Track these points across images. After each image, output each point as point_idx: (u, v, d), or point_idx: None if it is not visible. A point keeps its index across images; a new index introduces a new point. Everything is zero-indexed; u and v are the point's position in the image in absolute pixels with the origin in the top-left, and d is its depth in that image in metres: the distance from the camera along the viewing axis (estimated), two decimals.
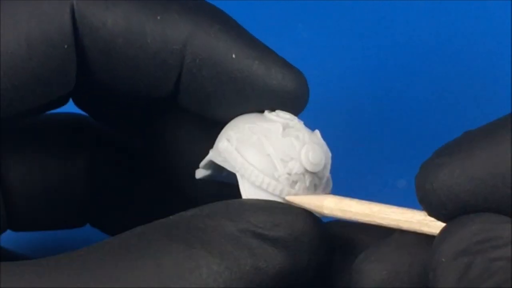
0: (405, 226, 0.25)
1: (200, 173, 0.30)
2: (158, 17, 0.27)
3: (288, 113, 0.29)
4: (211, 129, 0.29)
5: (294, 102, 0.28)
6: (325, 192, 0.28)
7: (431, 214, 0.25)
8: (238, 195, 0.28)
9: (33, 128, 0.33)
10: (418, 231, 0.25)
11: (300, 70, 0.28)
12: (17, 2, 0.27)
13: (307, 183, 0.27)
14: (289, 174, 0.27)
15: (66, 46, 0.27)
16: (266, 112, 0.29)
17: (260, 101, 0.28)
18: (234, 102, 0.28)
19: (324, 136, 0.29)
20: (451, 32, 0.46)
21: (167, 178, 0.33)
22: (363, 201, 0.26)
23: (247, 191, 0.27)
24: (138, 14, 0.27)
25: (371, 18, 0.46)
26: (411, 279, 0.25)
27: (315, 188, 0.28)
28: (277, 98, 0.28)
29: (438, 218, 0.25)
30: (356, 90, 0.45)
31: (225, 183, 0.30)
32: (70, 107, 0.33)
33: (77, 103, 0.33)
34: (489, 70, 0.45)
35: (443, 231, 0.24)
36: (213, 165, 0.29)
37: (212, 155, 0.29)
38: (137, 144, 0.35)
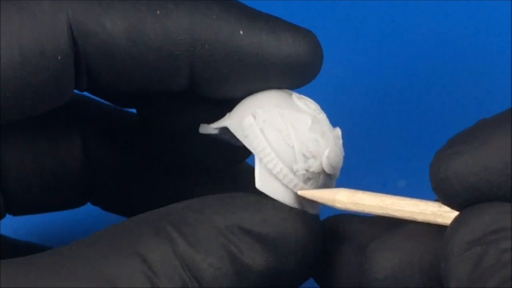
0: (419, 218, 0.25)
1: (205, 129, 0.30)
2: (158, 12, 0.27)
3: (314, 103, 0.28)
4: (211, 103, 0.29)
5: (308, 64, 0.28)
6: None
7: (445, 203, 0.25)
8: (235, 172, 0.28)
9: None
10: (433, 223, 0.25)
11: (310, 31, 0.28)
12: (12, 9, 0.26)
13: (320, 183, 0.28)
14: (307, 170, 0.27)
15: (59, 57, 0.27)
16: (294, 97, 0.28)
17: (278, 70, 0.28)
18: (251, 78, 0.28)
19: None
20: (451, 32, 0.46)
21: (163, 151, 0.33)
22: (376, 194, 0.26)
23: (261, 176, 0.27)
24: (136, 12, 0.27)
25: (371, 18, 0.46)
26: (422, 268, 0.25)
27: (325, 188, 0.28)
28: (292, 63, 0.28)
29: (452, 207, 0.25)
30: (356, 90, 0.45)
31: (225, 145, 0.30)
32: None
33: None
34: (489, 70, 0.45)
35: (456, 220, 0.24)
36: (224, 130, 0.29)
37: (232, 126, 0.28)
38: (132, 118, 0.34)
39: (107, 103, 0.33)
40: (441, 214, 0.25)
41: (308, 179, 0.27)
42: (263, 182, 0.27)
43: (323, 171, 0.27)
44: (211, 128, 0.29)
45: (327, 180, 0.28)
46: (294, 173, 0.27)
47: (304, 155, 0.27)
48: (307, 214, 0.27)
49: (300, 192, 0.27)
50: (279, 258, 0.26)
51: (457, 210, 0.24)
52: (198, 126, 0.30)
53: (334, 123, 0.29)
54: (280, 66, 0.28)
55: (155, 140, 0.33)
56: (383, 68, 0.45)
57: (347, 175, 0.40)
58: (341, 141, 0.29)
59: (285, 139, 0.27)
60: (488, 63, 0.45)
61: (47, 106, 0.28)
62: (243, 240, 0.25)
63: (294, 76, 0.28)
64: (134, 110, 0.34)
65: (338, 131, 0.29)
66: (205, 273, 0.25)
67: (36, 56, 0.26)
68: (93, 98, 0.33)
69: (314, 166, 0.27)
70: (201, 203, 0.26)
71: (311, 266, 0.26)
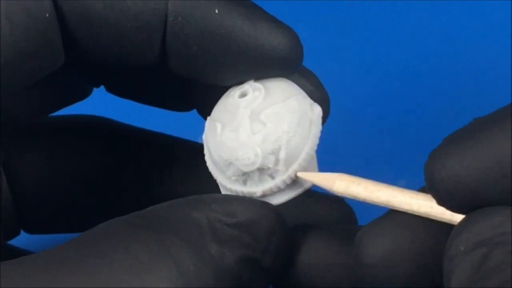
0: (420, 210, 0.25)
1: None
2: None
3: (257, 89, 0.28)
4: None
5: (284, 60, 0.27)
6: (305, 169, 0.28)
7: (439, 203, 0.24)
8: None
9: (42, 130, 0.33)
10: (431, 215, 0.25)
11: (291, 27, 0.28)
12: None
13: (257, 178, 0.27)
14: (235, 176, 0.27)
15: (47, 15, 0.26)
16: (237, 93, 0.28)
17: (248, 60, 0.27)
18: (221, 62, 0.27)
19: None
20: (451, 32, 0.46)
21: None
22: (372, 185, 0.26)
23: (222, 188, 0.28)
24: None
25: (372, 18, 0.46)
26: (411, 255, 0.25)
27: (272, 177, 0.27)
28: (266, 56, 0.27)
29: (446, 207, 0.24)
30: (356, 90, 0.45)
31: None
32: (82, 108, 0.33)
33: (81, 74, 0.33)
34: (489, 70, 0.45)
35: (464, 221, 0.24)
36: None
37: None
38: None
39: None
40: (434, 215, 0.25)
41: (244, 181, 0.27)
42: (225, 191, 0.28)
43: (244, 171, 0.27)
44: None
45: (266, 170, 0.27)
46: (231, 182, 0.28)
47: (225, 164, 0.27)
48: (268, 203, 0.27)
49: (299, 174, 0.27)
50: (253, 242, 0.26)
51: (451, 210, 0.24)
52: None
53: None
54: (251, 56, 0.27)
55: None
56: (383, 68, 0.45)
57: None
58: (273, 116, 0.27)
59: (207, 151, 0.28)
60: (488, 63, 0.45)
61: (44, 71, 0.28)
62: (220, 231, 0.26)
63: (266, 68, 0.28)
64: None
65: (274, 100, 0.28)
66: (191, 260, 0.25)
67: (24, 18, 0.26)
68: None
69: (236, 170, 0.27)
70: (179, 201, 0.27)
71: (281, 248, 0.27)
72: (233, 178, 0.27)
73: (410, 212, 0.26)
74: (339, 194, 0.27)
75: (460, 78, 0.45)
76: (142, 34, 0.27)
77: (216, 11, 0.27)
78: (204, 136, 0.28)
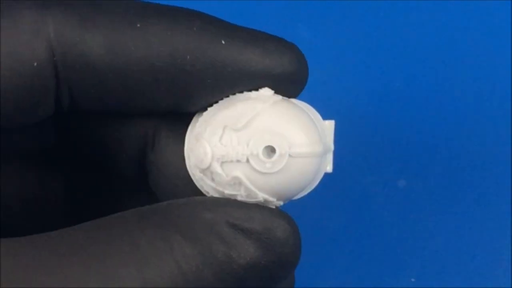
0: None
1: None
2: (138, 25, 0.27)
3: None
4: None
5: (293, 74, 0.28)
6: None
7: None
8: None
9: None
10: None
11: (293, 43, 0.28)
12: None
13: (243, 192, 0.27)
14: (220, 184, 0.27)
15: (35, 64, 0.26)
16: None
17: (260, 80, 0.27)
18: (232, 88, 0.28)
19: None
20: (452, 32, 0.46)
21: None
22: None
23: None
24: (117, 24, 0.27)
25: (372, 18, 0.46)
26: None
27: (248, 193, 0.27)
28: (276, 72, 0.27)
29: None
30: (356, 90, 0.45)
31: None
32: None
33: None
34: (489, 70, 0.45)
35: None
36: None
37: None
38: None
39: None
40: None
41: (236, 192, 0.27)
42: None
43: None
44: None
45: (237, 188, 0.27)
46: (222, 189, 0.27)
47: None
48: (286, 213, 0.27)
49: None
50: (264, 252, 0.26)
51: None
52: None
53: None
54: (263, 76, 0.27)
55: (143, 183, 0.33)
56: (383, 68, 0.45)
57: (347, 175, 0.40)
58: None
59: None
60: (488, 63, 0.45)
61: (24, 117, 0.27)
62: (230, 233, 0.26)
63: (278, 86, 0.28)
64: None
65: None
66: (194, 260, 0.25)
67: (12, 61, 0.26)
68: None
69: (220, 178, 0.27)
70: (188, 199, 0.27)
71: (292, 259, 0.27)
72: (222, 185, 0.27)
73: None
74: None
75: (460, 78, 0.45)
76: (147, 77, 0.27)
77: (223, 41, 0.27)
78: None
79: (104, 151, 0.32)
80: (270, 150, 0.26)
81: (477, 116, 0.43)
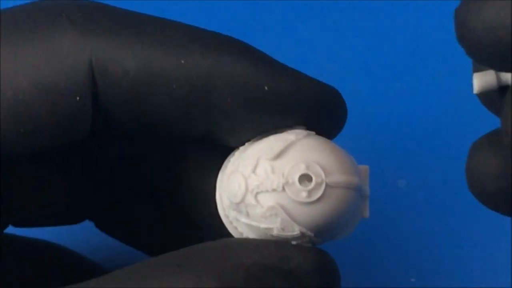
0: None
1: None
2: (182, 61, 0.26)
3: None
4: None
5: (330, 109, 0.27)
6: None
7: (468, 53, 0.22)
8: None
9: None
10: None
11: (331, 86, 0.27)
12: (33, 41, 0.25)
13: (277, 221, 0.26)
14: (254, 218, 0.26)
15: (78, 98, 0.25)
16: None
17: (296, 115, 0.27)
18: (271, 123, 0.27)
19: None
20: (452, 32, 0.46)
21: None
22: None
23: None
24: (160, 55, 0.26)
25: (372, 18, 0.46)
26: None
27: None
28: (311, 106, 0.26)
29: (476, 60, 0.22)
30: (356, 90, 0.45)
31: None
32: None
33: None
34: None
35: None
36: None
37: None
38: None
39: None
40: None
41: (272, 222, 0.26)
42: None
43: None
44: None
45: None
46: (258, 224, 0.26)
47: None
48: (326, 252, 0.26)
49: None
50: None
51: (479, 63, 0.22)
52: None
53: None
54: (300, 110, 0.26)
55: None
56: (383, 68, 0.45)
57: None
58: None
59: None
60: None
61: (60, 144, 0.27)
62: (268, 276, 0.24)
63: (317, 122, 0.27)
64: None
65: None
66: None
67: (54, 94, 0.25)
68: None
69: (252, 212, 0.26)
70: (224, 242, 0.26)
71: None
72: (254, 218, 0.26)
73: None
74: None
75: (460, 78, 0.45)
76: (184, 108, 0.26)
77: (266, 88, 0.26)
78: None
79: (132, 170, 0.32)
80: (307, 179, 0.25)
81: (477, 116, 0.43)
